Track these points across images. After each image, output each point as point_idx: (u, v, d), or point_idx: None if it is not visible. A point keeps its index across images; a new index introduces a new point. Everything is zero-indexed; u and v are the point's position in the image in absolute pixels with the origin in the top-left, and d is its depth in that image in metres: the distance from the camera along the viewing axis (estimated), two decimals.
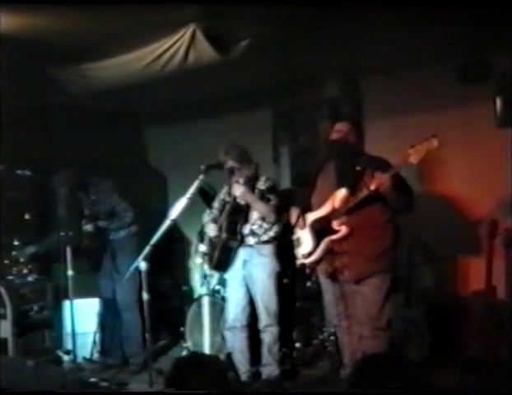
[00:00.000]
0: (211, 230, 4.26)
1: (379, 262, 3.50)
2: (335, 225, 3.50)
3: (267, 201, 4.08)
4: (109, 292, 4.84)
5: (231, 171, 4.08)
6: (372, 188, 3.28)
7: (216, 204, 4.35)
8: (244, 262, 4.15)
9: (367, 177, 3.41)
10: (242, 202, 4.11)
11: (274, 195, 4.10)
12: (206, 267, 4.93)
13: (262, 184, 4.13)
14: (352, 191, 3.44)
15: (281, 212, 4.10)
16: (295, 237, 3.80)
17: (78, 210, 4.83)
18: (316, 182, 3.74)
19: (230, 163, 4.08)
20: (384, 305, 3.52)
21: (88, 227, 4.74)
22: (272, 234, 4.14)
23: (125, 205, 4.80)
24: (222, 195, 4.33)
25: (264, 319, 4.13)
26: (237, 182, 4.07)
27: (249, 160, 4.16)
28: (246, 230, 4.12)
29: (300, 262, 3.79)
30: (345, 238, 3.50)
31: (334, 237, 3.51)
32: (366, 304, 3.51)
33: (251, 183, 4.08)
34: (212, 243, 4.25)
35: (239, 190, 4.03)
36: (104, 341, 4.96)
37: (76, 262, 4.56)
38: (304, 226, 3.70)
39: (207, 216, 4.38)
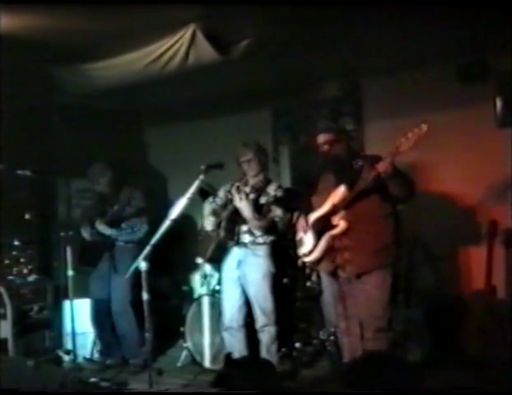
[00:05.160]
0: (209, 225, 4.27)
1: (381, 256, 3.53)
2: (334, 220, 3.53)
3: (268, 209, 4.07)
4: (104, 294, 4.81)
5: (248, 163, 4.14)
6: (376, 172, 3.31)
7: (221, 194, 4.34)
8: (239, 263, 4.16)
9: (365, 172, 3.45)
10: None
11: (278, 206, 4.08)
12: (206, 267, 4.95)
13: (272, 190, 4.14)
14: (351, 187, 3.48)
15: (276, 225, 4.12)
16: (297, 238, 3.82)
17: (101, 204, 4.85)
18: (317, 184, 3.78)
19: (249, 155, 4.13)
20: (386, 303, 3.54)
21: (100, 227, 4.73)
22: (268, 239, 4.15)
23: (145, 219, 4.74)
24: (230, 187, 4.31)
25: (261, 319, 4.13)
26: (240, 191, 4.09)
27: (266, 154, 4.27)
28: (244, 227, 4.13)
29: (301, 261, 3.83)
30: (345, 233, 3.53)
31: (333, 232, 3.54)
32: (369, 302, 3.52)
33: (258, 193, 4.10)
34: (208, 237, 4.26)
35: (239, 203, 4.04)
36: (104, 341, 4.95)
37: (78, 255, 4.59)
38: (306, 229, 3.71)
39: (208, 205, 4.36)
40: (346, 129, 3.85)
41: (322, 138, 3.71)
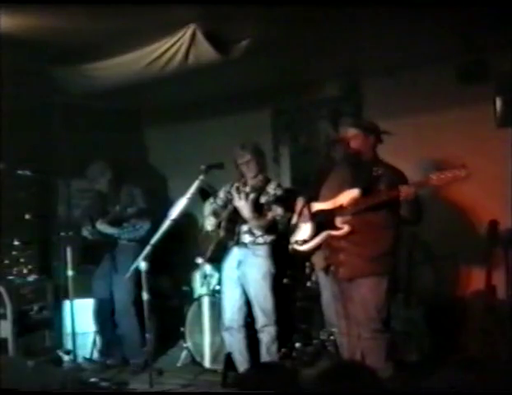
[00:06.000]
0: (210, 225, 4.27)
1: (375, 264, 3.49)
2: (338, 221, 3.50)
3: (268, 208, 4.07)
4: (106, 293, 4.82)
5: (247, 165, 4.14)
6: (397, 194, 3.27)
7: (222, 194, 4.34)
8: (239, 263, 4.16)
9: (383, 184, 3.42)
10: None
11: (278, 205, 4.07)
12: (206, 267, 4.95)
13: (272, 189, 4.14)
14: (364, 193, 3.44)
15: (277, 225, 4.11)
16: (293, 222, 3.79)
17: (101, 202, 4.88)
18: (329, 175, 3.73)
19: (247, 157, 4.13)
20: (382, 307, 3.52)
21: (102, 227, 4.75)
22: (268, 239, 4.15)
23: (146, 217, 4.75)
24: (230, 187, 4.31)
25: (261, 319, 4.13)
26: (239, 191, 4.08)
27: (263, 154, 4.27)
28: (244, 227, 4.13)
29: (292, 247, 3.77)
30: (344, 236, 3.50)
31: (335, 233, 3.52)
32: (364, 304, 3.50)
33: (258, 192, 4.09)
34: (208, 237, 4.26)
35: (239, 203, 4.04)
36: (105, 340, 4.95)
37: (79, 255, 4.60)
38: (307, 216, 3.67)
39: (209, 206, 4.36)
40: (377, 131, 3.66)
41: (350, 132, 3.62)
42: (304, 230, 3.68)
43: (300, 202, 3.81)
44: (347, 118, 5.25)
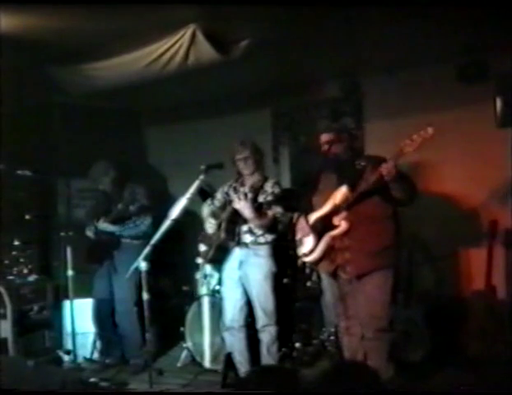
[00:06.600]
0: (210, 227, 4.27)
1: (381, 258, 3.52)
2: (336, 221, 3.52)
3: (268, 207, 4.07)
4: (107, 293, 4.82)
5: (244, 161, 4.13)
6: (379, 174, 3.29)
7: (219, 195, 4.32)
8: (241, 263, 4.15)
9: (367, 173, 3.44)
10: None
11: (277, 203, 4.06)
12: (206, 267, 4.95)
13: (269, 187, 4.13)
14: (353, 188, 3.47)
15: (277, 223, 4.11)
16: (297, 238, 3.81)
17: (105, 202, 4.88)
18: (317, 184, 3.77)
19: (246, 153, 4.13)
20: (388, 304, 3.53)
21: (103, 226, 4.75)
22: (269, 238, 4.15)
23: (148, 214, 4.76)
24: (227, 188, 4.30)
25: (262, 319, 4.13)
26: (237, 192, 4.08)
27: (261, 153, 4.25)
28: (244, 227, 4.12)
29: (301, 261, 3.81)
30: (346, 234, 3.51)
31: (334, 232, 3.54)
32: (370, 303, 3.51)
33: (256, 192, 4.09)
34: (209, 239, 4.26)
35: (239, 204, 4.03)
36: (104, 340, 4.95)
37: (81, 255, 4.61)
38: (306, 228, 3.70)
39: (207, 208, 4.36)
40: (349, 129, 3.81)
41: (324, 138, 3.69)
42: (308, 242, 3.71)
43: (297, 216, 3.84)
44: (347, 118, 5.28)
